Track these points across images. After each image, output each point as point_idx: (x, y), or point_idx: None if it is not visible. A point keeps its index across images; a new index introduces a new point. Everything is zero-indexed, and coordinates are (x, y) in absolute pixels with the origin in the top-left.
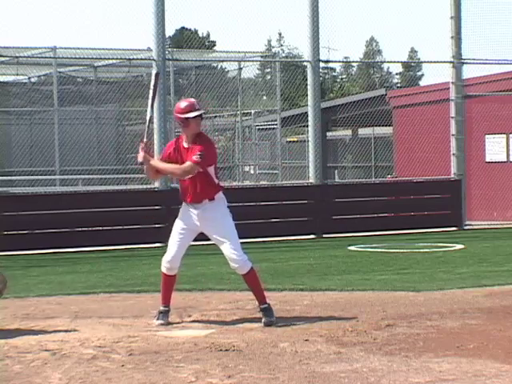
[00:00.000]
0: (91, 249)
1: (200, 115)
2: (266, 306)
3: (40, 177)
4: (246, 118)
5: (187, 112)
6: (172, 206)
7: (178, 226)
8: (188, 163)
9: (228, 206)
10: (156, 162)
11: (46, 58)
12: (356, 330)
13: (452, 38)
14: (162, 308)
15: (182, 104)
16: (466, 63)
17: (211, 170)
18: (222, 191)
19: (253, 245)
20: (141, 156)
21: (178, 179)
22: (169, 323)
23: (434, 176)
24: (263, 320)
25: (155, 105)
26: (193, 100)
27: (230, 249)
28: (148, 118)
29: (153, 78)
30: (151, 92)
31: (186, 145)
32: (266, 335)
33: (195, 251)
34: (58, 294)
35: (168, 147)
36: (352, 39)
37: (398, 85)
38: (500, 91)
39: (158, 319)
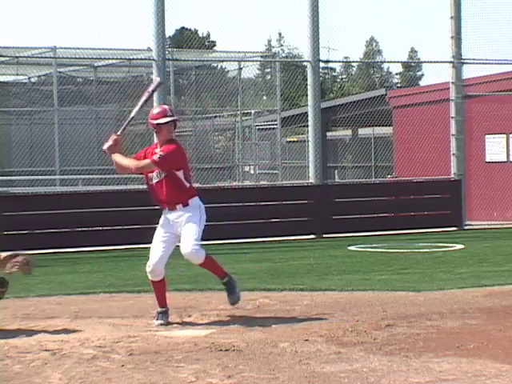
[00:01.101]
0: (91, 249)
1: (173, 122)
2: (227, 279)
3: (40, 177)
4: (246, 118)
5: (159, 118)
6: None
7: (159, 232)
8: (145, 160)
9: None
10: (117, 155)
11: (46, 58)
12: (356, 330)
13: (452, 37)
14: (159, 309)
15: (155, 110)
16: (466, 63)
17: (180, 174)
18: (196, 196)
19: (253, 245)
20: (107, 144)
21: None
22: (169, 323)
23: (433, 176)
24: (228, 300)
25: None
26: (166, 106)
27: (186, 240)
28: (130, 117)
29: (154, 83)
30: (146, 95)
31: (157, 150)
32: (266, 335)
33: None
34: (58, 293)
35: (143, 151)
36: (352, 39)
37: (398, 85)
38: (500, 91)
39: (157, 319)
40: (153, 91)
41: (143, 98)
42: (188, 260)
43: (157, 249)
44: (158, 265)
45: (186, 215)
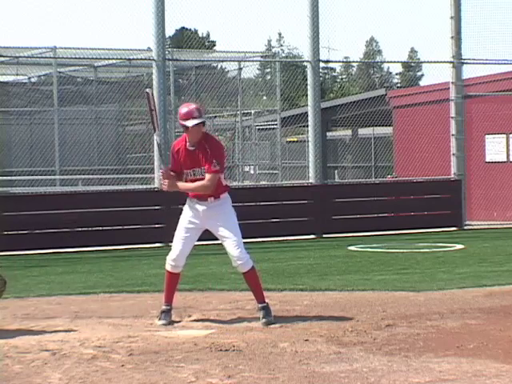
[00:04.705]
0: (91, 249)
1: (202, 123)
2: (264, 304)
3: (40, 177)
4: (246, 118)
5: (186, 119)
6: (172, 206)
7: (184, 223)
8: (209, 175)
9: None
10: (182, 185)
11: (46, 58)
12: (356, 330)
13: (452, 38)
14: (164, 307)
15: (183, 110)
16: (466, 63)
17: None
18: (228, 191)
19: (253, 245)
20: (166, 186)
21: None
22: (171, 322)
23: (433, 176)
24: (262, 319)
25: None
26: (193, 107)
27: (234, 245)
28: (157, 144)
29: (148, 97)
30: (151, 112)
31: (190, 148)
32: (266, 335)
33: (195, 251)
34: (58, 294)
35: (173, 153)
36: (352, 39)
37: (398, 85)
38: (500, 91)
39: (160, 319)
40: (153, 105)
41: (153, 118)
42: (236, 266)
43: (180, 240)
44: (180, 256)
45: (221, 210)
